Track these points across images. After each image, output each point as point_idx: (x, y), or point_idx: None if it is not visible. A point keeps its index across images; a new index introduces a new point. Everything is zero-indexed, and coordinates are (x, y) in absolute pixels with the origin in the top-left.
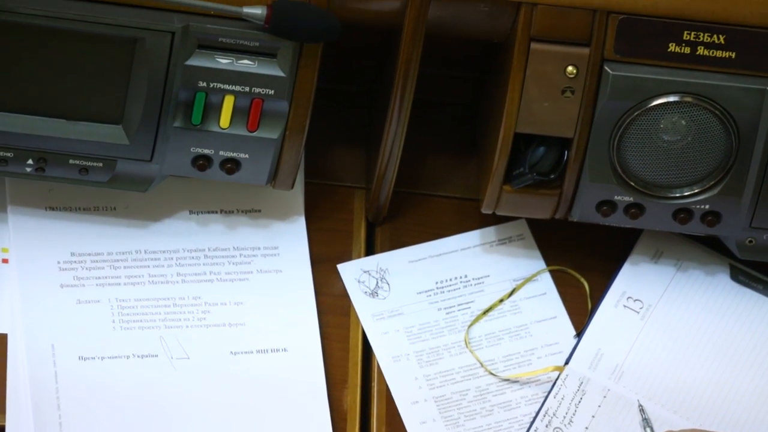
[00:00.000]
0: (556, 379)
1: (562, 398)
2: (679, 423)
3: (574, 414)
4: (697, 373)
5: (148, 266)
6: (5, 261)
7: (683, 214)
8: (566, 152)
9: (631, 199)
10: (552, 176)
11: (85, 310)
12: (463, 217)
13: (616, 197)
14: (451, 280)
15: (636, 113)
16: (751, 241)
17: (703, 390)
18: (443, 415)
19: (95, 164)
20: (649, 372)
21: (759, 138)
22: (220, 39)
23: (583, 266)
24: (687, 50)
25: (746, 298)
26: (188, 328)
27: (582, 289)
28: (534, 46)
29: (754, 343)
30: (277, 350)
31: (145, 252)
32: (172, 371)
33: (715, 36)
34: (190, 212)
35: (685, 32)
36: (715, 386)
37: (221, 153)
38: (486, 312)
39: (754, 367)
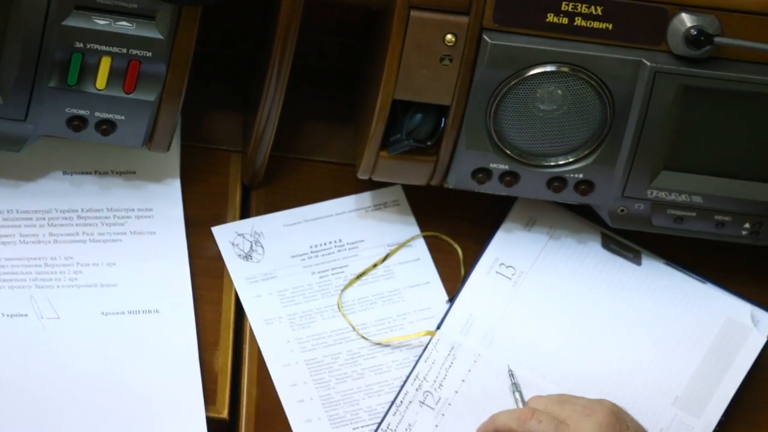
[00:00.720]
0: (428, 344)
1: (433, 362)
2: (548, 388)
3: (444, 378)
4: (566, 339)
5: (20, 226)
6: None
7: (557, 182)
8: (443, 119)
9: (507, 167)
10: (429, 143)
11: None
12: (339, 182)
13: (491, 165)
14: (325, 244)
15: (513, 82)
16: (622, 210)
17: (573, 356)
18: (314, 377)
19: None
20: (519, 337)
21: (633, 109)
22: (97, 0)
23: (457, 233)
24: (565, 21)
25: (616, 265)
26: (59, 288)
27: (455, 255)
28: (413, 13)
29: (623, 309)
30: (149, 311)
31: (17, 212)
32: (41, 330)
33: (593, 7)
34: (64, 173)
35: (563, 3)
36: (584, 352)
37: (97, 114)
38: (359, 276)
39: (623, 333)
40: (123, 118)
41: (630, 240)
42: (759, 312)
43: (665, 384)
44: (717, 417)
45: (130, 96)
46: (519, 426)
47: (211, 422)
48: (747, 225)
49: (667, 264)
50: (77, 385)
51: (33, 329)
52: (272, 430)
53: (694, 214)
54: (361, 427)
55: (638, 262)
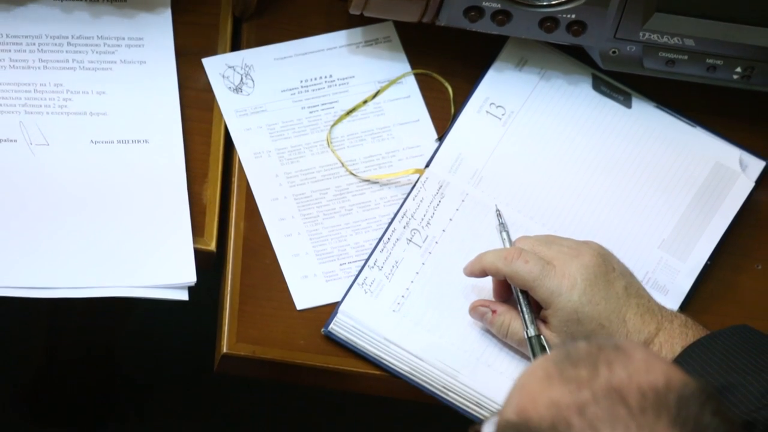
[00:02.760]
0: (416, 182)
1: (421, 201)
2: (535, 229)
3: (432, 216)
4: (554, 180)
5: (9, 50)
6: None
7: (549, 22)
8: None
9: (499, 5)
10: None
11: None
12: (331, 17)
13: (484, 3)
14: (316, 79)
15: None
16: (614, 52)
17: (560, 197)
18: (302, 212)
19: None
20: (507, 178)
21: None
22: None
23: (448, 71)
24: None
25: (606, 107)
26: (49, 114)
27: (446, 94)
28: None
29: (612, 151)
30: (139, 141)
31: (7, 36)
32: (30, 157)
33: None
34: None
35: None
36: (572, 193)
37: None
38: (349, 112)
39: (611, 176)
40: None
41: (620, 82)
42: (747, 156)
43: (652, 227)
44: (702, 261)
45: None
46: (505, 265)
47: (198, 254)
48: (738, 69)
49: (657, 107)
50: (65, 213)
51: (22, 155)
52: (259, 264)
53: (685, 57)
54: (348, 262)
55: (628, 105)
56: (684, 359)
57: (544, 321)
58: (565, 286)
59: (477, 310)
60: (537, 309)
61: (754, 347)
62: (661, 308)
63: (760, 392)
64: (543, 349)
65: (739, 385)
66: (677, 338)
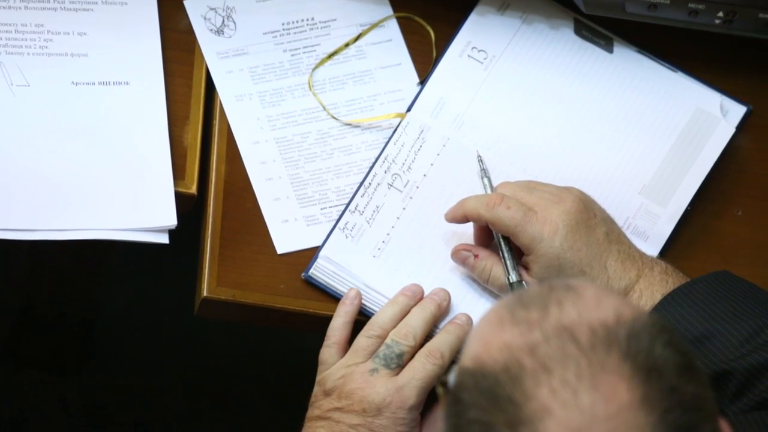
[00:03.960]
0: (397, 126)
1: (402, 145)
2: (516, 174)
3: (413, 161)
4: (536, 126)
5: None
6: None
7: None
8: None
9: None
10: None
11: None
12: None
13: None
14: (297, 22)
15: None
16: None
17: (542, 143)
18: (283, 156)
19: None
20: (489, 122)
21: None
22: None
23: (430, 15)
24: None
25: (588, 52)
26: (29, 55)
27: (428, 38)
28: None
29: (593, 97)
30: (120, 83)
31: None
32: (11, 98)
33: None
34: None
35: None
36: (553, 139)
37: None
38: (331, 56)
39: (592, 121)
40: None
41: (603, 28)
42: (728, 102)
43: (632, 173)
44: (683, 207)
45: None
46: (487, 211)
47: (179, 197)
48: (720, 14)
49: (638, 52)
50: (46, 155)
51: (2, 96)
52: (240, 207)
53: (668, 1)
54: (329, 207)
55: (610, 50)
56: (663, 307)
57: (526, 267)
58: (547, 232)
59: (459, 254)
60: (519, 255)
61: (733, 294)
62: (642, 255)
63: (738, 341)
64: None
65: (719, 334)
66: (657, 285)
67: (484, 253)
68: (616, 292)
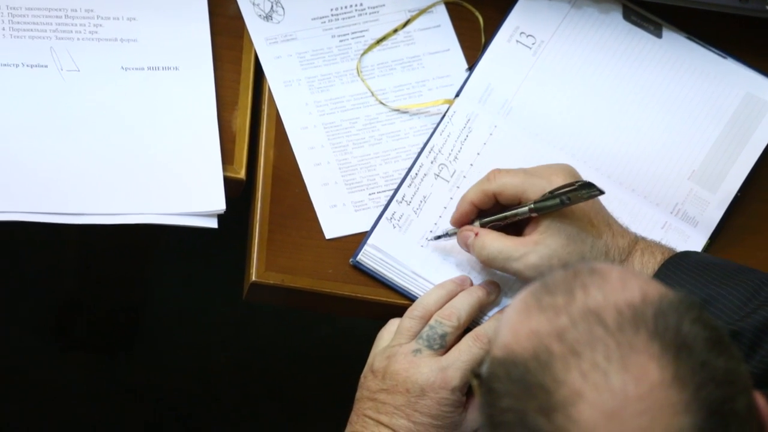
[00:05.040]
0: (443, 115)
1: (448, 135)
2: (564, 159)
3: (459, 151)
4: (585, 111)
5: None
6: None
7: None
8: None
9: None
10: None
11: None
12: None
13: None
14: (346, 7)
15: None
16: None
17: (590, 128)
18: (332, 141)
19: None
20: (537, 109)
21: None
22: None
23: (478, 0)
24: None
25: (637, 37)
26: (79, 40)
27: (476, 23)
28: None
29: (642, 82)
30: (169, 68)
31: None
32: (61, 83)
33: None
34: None
35: None
36: (602, 124)
37: None
38: (379, 41)
39: (641, 106)
40: None
41: (651, 13)
42: None
43: (682, 158)
44: (732, 192)
45: None
46: (490, 184)
47: (228, 182)
48: None
49: (688, 38)
50: (96, 140)
51: (53, 81)
52: (288, 193)
53: None
54: (377, 192)
55: (659, 35)
56: (662, 275)
57: (532, 230)
58: (554, 183)
59: (462, 235)
60: (517, 232)
61: (718, 262)
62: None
63: (741, 301)
64: None
65: (720, 297)
66: (655, 247)
67: (483, 231)
68: (640, 273)
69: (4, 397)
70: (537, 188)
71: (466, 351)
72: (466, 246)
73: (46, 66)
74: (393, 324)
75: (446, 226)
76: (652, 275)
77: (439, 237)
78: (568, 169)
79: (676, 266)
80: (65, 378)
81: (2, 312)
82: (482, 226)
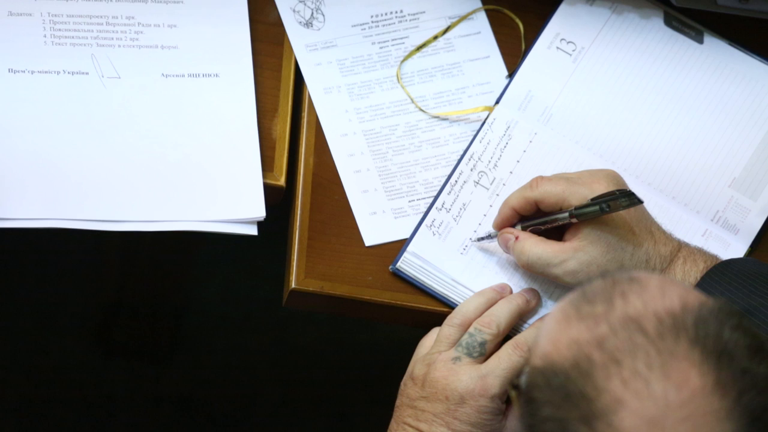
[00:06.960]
0: (483, 122)
1: (488, 143)
2: (604, 167)
3: (499, 159)
4: (624, 116)
5: None
6: None
7: None
8: None
9: None
10: None
11: (17, 22)
12: None
13: None
14: (386, 14)
15: None
16: None
17: (631, 135)
18: (372, 148)
19: None
20: (577, 115)
21: None
22: None
23: (518, 6)
24: None
25: (678, 43)
26: (120, 47)
27: (516, 30)
28: None
29: (683, 88)
30: (209, 75)
31: None
32: (102, 90)
33: None
34: None
35: None
36: (643, 131)
37: None
38: (419, 48)
39: (682, 113)
40: None
41: (691, 19)
42: None
43: (723, 166)
44: None
45: None
46: (532, 191)
47: (268, 189)
48: None
49: (729, 44)
50: (136, 146)
51: (94, 87)
52: (328, 200)
53: None
54: (417, 199)
55: (700, 41)
56: (704, 284)
57: (572, 236)
58: (597, 190)
59: (503, 237)
60: (556, 237)
61: (764, 271)
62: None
63: None
64: None
65: (762, 307)
66: (697, 255)
67: (524, 235)
68: (679, 281)
69: (48, 401)
70: (578, 196)
71: (505, 359)
72: (507, 248)
73: (87, 73)
74: (434, 332)
75: (488, 228)
76: (695, 285)
77: (482, 239)
78: (612, 175)
79: (719, 276)
80: (108, 383)
81: (45, 318)
82: (523, 229)
